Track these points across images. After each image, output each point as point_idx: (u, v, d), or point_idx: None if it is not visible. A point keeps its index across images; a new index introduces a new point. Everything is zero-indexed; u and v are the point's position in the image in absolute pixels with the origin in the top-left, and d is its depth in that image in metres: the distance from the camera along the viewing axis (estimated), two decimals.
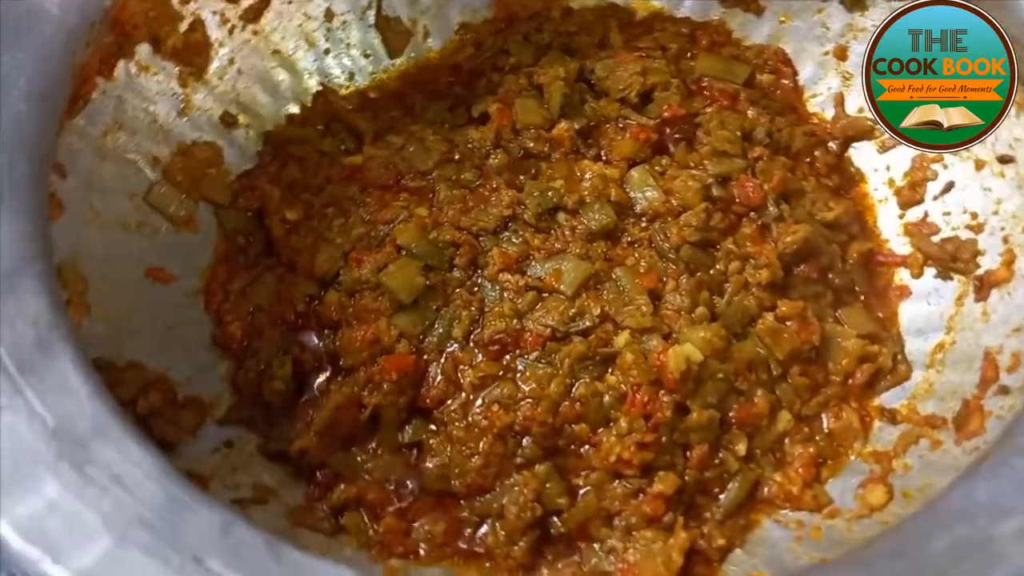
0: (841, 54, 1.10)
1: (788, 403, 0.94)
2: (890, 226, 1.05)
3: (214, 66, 1.06)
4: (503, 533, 0.88)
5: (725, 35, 1.17)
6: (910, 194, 1.03)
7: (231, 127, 1.08)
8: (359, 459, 0.93)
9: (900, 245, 1.03)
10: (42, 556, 0.58)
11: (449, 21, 1.20)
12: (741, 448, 0.91)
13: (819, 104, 1.12)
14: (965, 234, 0.98)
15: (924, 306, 0.99)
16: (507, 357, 0.94)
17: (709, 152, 1.04)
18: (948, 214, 1.00)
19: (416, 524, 0.90)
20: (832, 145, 1.09)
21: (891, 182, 1.06)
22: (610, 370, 0.92)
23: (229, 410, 0.94)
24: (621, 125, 1.07)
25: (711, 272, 0.98)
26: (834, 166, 1.08)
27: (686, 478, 0.89)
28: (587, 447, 0.90)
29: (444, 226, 1.00)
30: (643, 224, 1.01)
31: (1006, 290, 0.92)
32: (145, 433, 0.83)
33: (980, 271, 0.95)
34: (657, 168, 1.04)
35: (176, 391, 0.91)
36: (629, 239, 1.00)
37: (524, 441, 0.90)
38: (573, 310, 0.94)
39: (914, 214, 1.03)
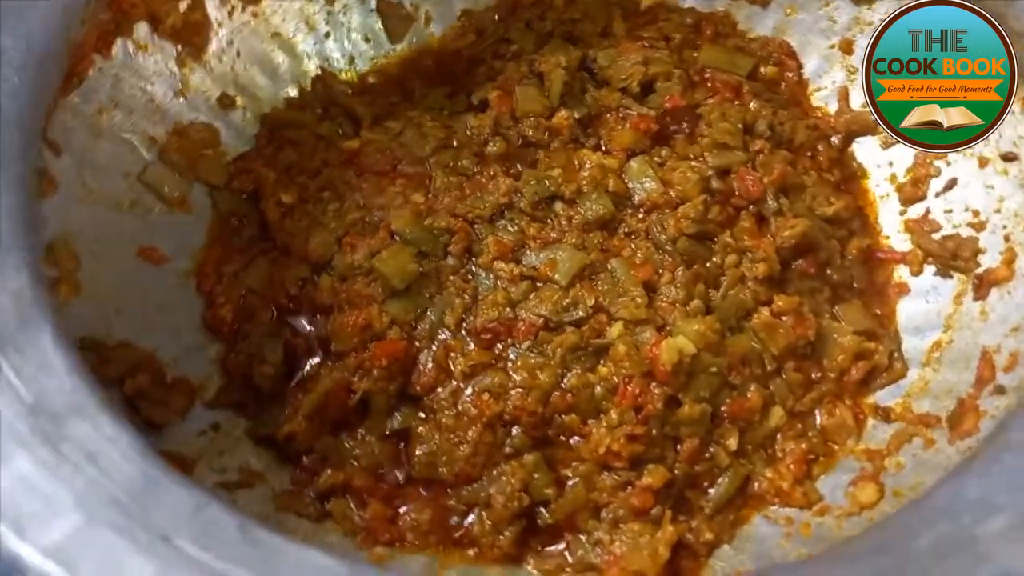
0: (847, 48, 1.09)
1: (781, 399, 0.93)
2: (891, 222, 1.04)
3: (213, 47, 1.05)
4: (490, 522, 0.87)
5: (730, 26, 1.15)
6: (912, 190, 1.02)
7: (228, 109, 1.07)
8: (347, 445, 0.92)
9: (900, 242, 1.02)
10: (7, 532, 0.58)
11: (451, 7, 1.19)
12: (732, 443, 0.90)
13: (823, 98, 1.11)
14: (966, 232, 0.96)
15: (922, 304, 0.98)
16: (499, 346, 0.93)
17: (709, 144, 1.03)
18: (950, 211, 0.99)
19: (403, 511, 0.89)
20: (835, 140, 1.08)
21: (893, 178, 1.05)
22: (602, 361, 0.91)
23: (218, 393, 0.94)
24: (622, 115, 1.06)
25: (707, 265, 0.97)
26: (836, 161, 1.07)
27: (676, 472, 0.88)
28: (577, 438, 0.90)
29: (439, 213, 0.99)
30: (640, 215, 1.00)
31: (1006, 289, 0.91)
32: (131, 413, 0.85)
33: (980, 269, 0.94)
34: (656, 159, 1.03)
35: (165, 372, 0.91)
36: (626, 230, 0.99)
37: (513, 431, 0.90)
38: (567, 300, 0.93)
39: (915, 211, 1.02)
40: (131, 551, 0.57)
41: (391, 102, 1.12)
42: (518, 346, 0.92)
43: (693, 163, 1.01)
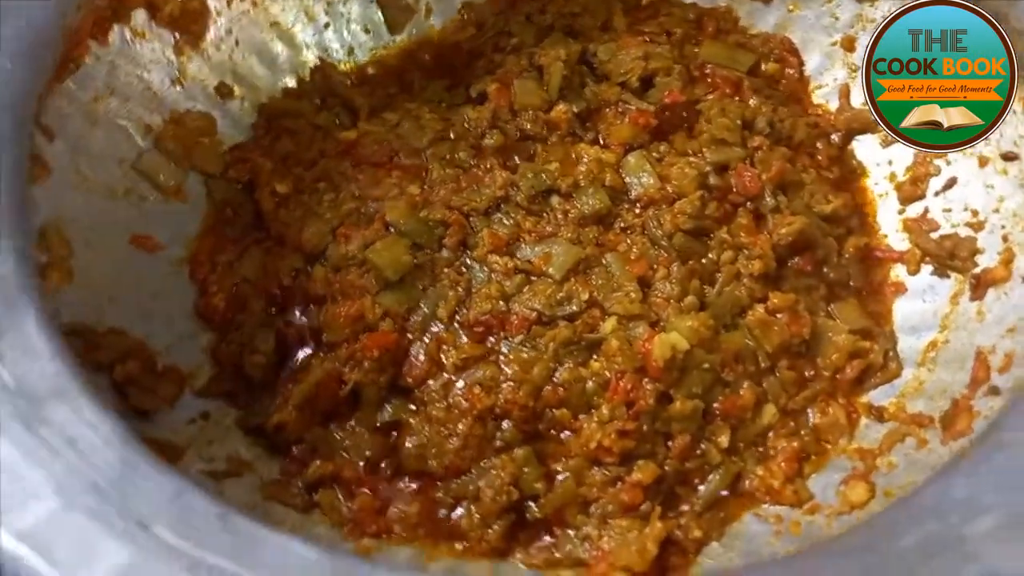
0: (849, 45, 1.09)
1: (774, 396, 0.92)
2: (889, 221, 1.03)
3: (211, 35, 1.05)
4: (478, 516, 0.87)
5: (732, 22, 1.15)
6: (911, 189, 1.01)
7: (226, 98, 1.07)
8: (337, 436, 0.92)
9: (898, 241, 1.02)
10: None
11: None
12: (724, 440, 0.89)
13: (824, 95, 1.11)
14: (964, 232, 0.95)
15: (919, 303, 0.97)
16: (491, 339, 0.92)
17: (708, 140, 1.02)
18: (949, 211, 0.98)
19: (391, 503, 0.89)
20: (835, 137, 1.07)
21: (892, 176, 1.04)
22: (595, 356, 0.91)
23: (209, 382, 0.94)
24: (620, 110, 1.06)
25: (703, 261, 0.96)
26: (836, 159, 1.06)
27: (666, 468, 0.88)
28: (567, 433, 0.89)
29: (435, 205, 0.98)
30: (637, 210, 0.99)
31: (1003, 290, 0.90)
32: (121, 400, 0.85)
33: (977, 269, 0.93)
34: (655, 154, 1.02)
35: (156, 360, 0.91)
36: (622, 225, 0.99)
37: (504, 424, 0.89)
38: (561, 294, 0.93)
39: (914, 210, 1.02)
40: (107, 537, 0.57)
41: (389, 93, 1.12)
42: (511, 340, 0.92)
43: (691, 159, 1.01)
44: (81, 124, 0.93)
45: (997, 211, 0.93)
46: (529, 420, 0.89)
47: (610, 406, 0.87)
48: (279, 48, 1.11)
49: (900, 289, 0.99)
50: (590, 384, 0.89)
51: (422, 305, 0.94)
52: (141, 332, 0.91)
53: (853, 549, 0.66)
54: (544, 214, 0.99)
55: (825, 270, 0.99)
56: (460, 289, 0.94)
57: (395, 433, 0.92)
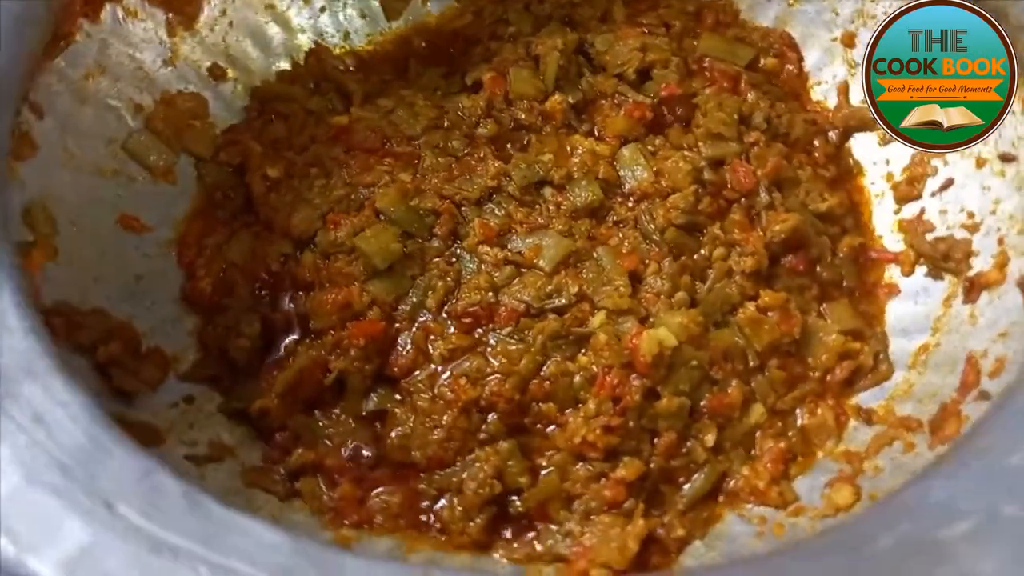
0: (849, 41, 1.07)
1: (763, 396, 0.91)
2: (884, 221, 1.02)
3: (205, 16, 1.04)
4: (460, 508, 0.86)
5: (732, 15, 1.13)
6: (907, 189, 1.00)
7: (219, 80, 1.06)
8: (321, 424, 0.91)
9: (893, 242, 1.01)
10: None
11: None
12: (710, 439, 0.88)
13: (823, 92, 1.09)
14: (960, 233, 0.94)
15: (911, 305, 0.96)
16: (479, 331, 0.92)
17: (704, 134, 1.01)
18: (944, 212, 0.97)
19: (373, 493, 0.88)
20: (832, 135, 1.06)
21: (889, 176, 1.03)
22: (583, 350, 0.90)
23: (193, 366, 0.93)
24: (616, 101, 1.05)
25: (695, 257, 0.96)
26: (833, 156, 1.05)
27: (651, 465, 0.87)
28: (553, 427, 0.88)
29: (426, 193, 0.98)
30: (630, 204, 0.99)
31: (996, 293, 0.89)
32: (103, 381, 0.84)
33: (971, 272, 0.92)
34: (649, 147, 1.01)
35: (140, 342, 0.90)
36: (615, 218, 0.98)
37: (489, 417, 0.88)
38: (550, 287, 0.92)
39: (910, 210, 1.00)
40: (70, 514, 0.57)
41: (384, 80, 1.11)
42: (499, 331, 0.91)
43: (686, 153, 1.00)
44: (70, 102, 0.92)
45: (993, 213, 0.92)
46: (515, 413, 0.88)
47: (596, 401, 0.87)
48: (274, 31, 1.10)
49: (893, 290, 0.98)
50: (577, 378, 0.88)
51: (410, 294, 0.93)
52: (125, 313, 0.90)
53: (829, 549, 0.65)
54: (536, 205, 0.98)
55: (818, 269, 0.98)
56: (449, 279, 0.94)
57: (379, 423, 0.91)
